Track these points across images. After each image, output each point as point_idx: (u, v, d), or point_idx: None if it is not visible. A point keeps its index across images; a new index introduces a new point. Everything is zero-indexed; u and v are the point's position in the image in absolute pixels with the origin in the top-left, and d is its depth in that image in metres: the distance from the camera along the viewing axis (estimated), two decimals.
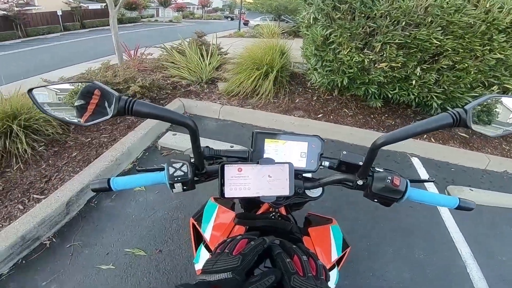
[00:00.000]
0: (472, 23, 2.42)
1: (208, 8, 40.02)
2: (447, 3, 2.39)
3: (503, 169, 2.83)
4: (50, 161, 2.14)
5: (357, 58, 2.72)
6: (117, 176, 0.69)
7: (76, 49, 9.83)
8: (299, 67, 4.36)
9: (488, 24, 2.43)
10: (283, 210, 0.83)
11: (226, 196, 0.56)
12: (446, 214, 2.11)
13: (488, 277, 1.66)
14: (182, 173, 0.59)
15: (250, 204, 0.93)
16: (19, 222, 1.55)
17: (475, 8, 2.42)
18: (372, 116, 3.39)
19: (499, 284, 1.64)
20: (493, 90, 2.77)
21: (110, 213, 1.85)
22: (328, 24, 2.84)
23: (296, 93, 3.79)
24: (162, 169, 0.62)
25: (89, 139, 2.44)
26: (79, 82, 0.52)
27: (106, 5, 4.04)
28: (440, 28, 2.47)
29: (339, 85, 3.08)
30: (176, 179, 0.58)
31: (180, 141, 2.63)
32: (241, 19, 16.24)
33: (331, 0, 2.69)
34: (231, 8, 49.12)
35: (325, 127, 3.14)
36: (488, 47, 2.52)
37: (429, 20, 2.46)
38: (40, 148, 2.20)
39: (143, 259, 1.55)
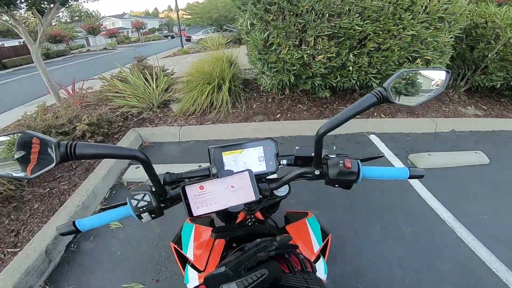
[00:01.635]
0: (382, 5, 2.70)
1: (144, 30, 38.81)
2: None
3: (450, 128, 3.19)
4: (12, 216, 2.05)
5: (297, 55, 2.89)
6: None
7: (2, 93, 8.73)
8: (250, 73, 4.45)
9: (395, 5, 2.72)
10: (259, 216, 0.85)
11: (194, 215, 0.57)
12: (418, 185, 2.23)
13: (481, 238, 1.72)
14: (146, 203, 0.59)
15: (227, 216, 0.93)
16: (4, 276, 1.53)
17: None
18: (324, 106, 3.61)
19: (495, 243, 1.68)
20: (417, 63, 3.09)
21: (94, 254, 1.78)
22: (264, 28, 2.97)
23: (252, 99, 3.86)
24: (126, 203, 0.61)
25: (48, 189, 2.29)
26: (11, 133, 0.48)
27: (24, 41, 3.67)
28: (358, 14, 2.72)
29: (288, 83, 3.22)
30: (141, 209, 0.58)
31: (145, 172, 2.50)
32: (182, 35, 16.03)
33: (261, 4, 2.81)
34: (169, 26, 48.24)
35: (285, 125, 3.25)
36: (401, 26, 2.81)
37: (347, 9, 2.68)
38: None
39: None
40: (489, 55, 3.30)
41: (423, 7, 2.80)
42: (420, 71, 0.63)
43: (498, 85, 3.47)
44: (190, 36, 17.92)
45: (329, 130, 0.57)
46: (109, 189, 2.41)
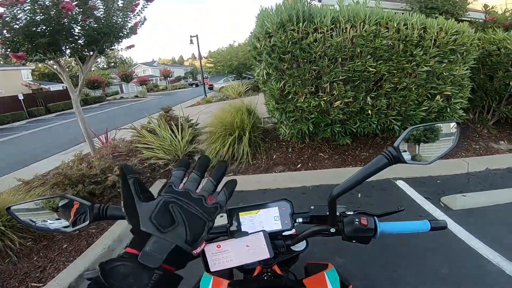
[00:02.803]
0: (392, 44, 2.78)
1: (171, 78, 42.42)
2: (365, 31, 2.73)
3: (483, 167, 3.01)
4: (41, 254, 2.21)
5: (314, 102, 2.95)
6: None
7: (45, 138, 9.60)
8: (268, 121, 4.56)
9: (404, 42, 2.79)
10: (277, 269, 0.87)
11: (211, 270, 0.61)
12: (455, 228, 2.10)
13: None
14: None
15: (245, 269, 0.95)
16: None
17: (387, 30, 2.78)
18: (346, 153, 3.55)
19: None
20: (437, 100, 3.06)
21: None
22: (280, 76, 3.06)
23: (271, 149, 3.89)
24: None
25: (77, 231, 2.44)
26: (52, 197, 0.62)
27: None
28: (370, 56, 2.80)
29: (307, 132, 3.25)
30: None
31: None
32: (205, 83, 17.13)
33: (276, 53, 2.93)
34: (193, 74, 52.49)
35: (307, 176, 3.22)
36: (414, 63, 2.85)
37: (359, 51, 2.79)
38: (29, 243, 2.27)
39: None
40: (511, 83, 3.17)
41: (433, 41, 2.84)
42: (429, 125, 0.63)
43: None
44: (212, 85, 19.18)
45: (341, 193, 0.60)
46: None
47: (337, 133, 3.23)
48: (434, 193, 2.61)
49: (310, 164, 3.44)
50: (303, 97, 3.01)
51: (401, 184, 2.89)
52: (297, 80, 2.98)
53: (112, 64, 46.72)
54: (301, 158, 3.59)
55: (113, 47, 4.00)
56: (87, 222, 0.59)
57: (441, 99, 3.08)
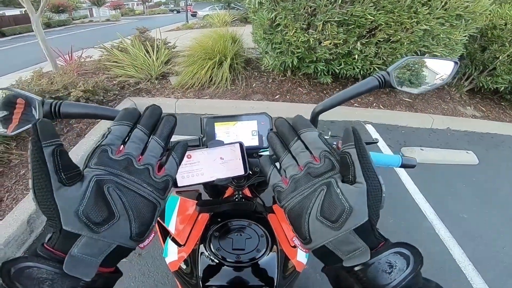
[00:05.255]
0: None
1: (150, 3, 37.54)
2: None
3: (445, 126, 3.20)
4: None
5: (303, 38, 2.81)
6: None
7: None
8: (252, 52, 4.38)
9: None
10: (248, 193, 0.84)
11: (179, 185, 0.53)
12: (404, 177, 2.26)
13: (456, 236, 1.77)
14: None
15: (214, 191, 0.92)
16: None
17: None
18: (325, 91, 3.57)
19: (468, 242, 1.74)
20: None
21: None
22: (273, 7, 2.87)
23: (252, 77, 3.81)
24: None
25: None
26: None
27: (26, 10, 3.55)
28: (372, 4, 2.63)
29: (290, 65, 3.17)
30: None
31: None
32: (188, 10, 15.52)
33: None
34: (176, 0, 46.70)
35: (284, 107, 3.24)
36: (415, 20, 2.74)
37: None
38: None
39: (125, 264, 1.51)
40: (500, 57, 3.24)
41: (442, 3, 2.71)
42: (426, 59, 0.61)
43: (502, 88, 3.44)
44: (196, 11, 17.47)
45: (325, 109, 0.56)
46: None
47: (320, 71, 3.17)
48: (396, 143, 2.79)
49: (288, 97, 3.45)
50: (293, 31, 2.84)
51: (369, 128, 3.04)
52: (290, 14, 2.77)
53: None
54: (280, 90, 3.57)
55: None
56: (35, 121, 0.46)
57: None
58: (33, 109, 0.46)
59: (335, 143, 0.61)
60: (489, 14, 3.26)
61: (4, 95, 0.48)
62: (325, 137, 0.64)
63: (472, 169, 2.48)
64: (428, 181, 2.24)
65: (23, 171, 2.08)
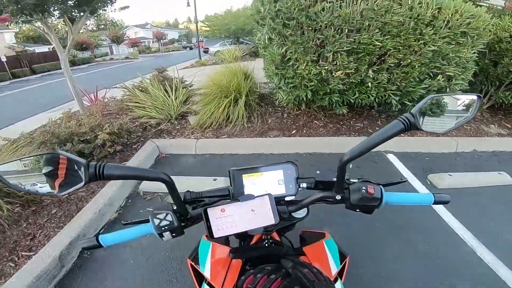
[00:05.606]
0: (402, 20, 2.66)
1: (164, 41, 40.40)
2: (377, 5, 2.60)
3: (471, 148, 3.07)
4: (30, 220, 2.09)
5: (314, 70, 2.87)
6: (104, 228, 0.70)
7: (31, 98, 9.15)
8: (265, 87, 4.50)
9: (416, 20, 2.68)
10: (275, 235, 0.85)
11: (215, 236, 0.58)
12: (438, 206, 2.14)
13: (502, 258, 1.68)
14: (168, 222, 0.61)
15: (243, 235, 0.94)
16: (16, 279, 1.55)
17: (400, 6, 2.65)
18: (341, 123, 3.56)
19: None
20: (438, 79, 3.02)
21: (107, 262, 1.80)
22: (282, 42, 2.97)
23: (267, 113, 3.87)
24: (148, 220, 0.63)
25: (67, 195, 2.35)
26: (42, 154, 0.49)
27: (54, 47, 3.81)
28: (378, 30, 2.69)
29: (304, 99, 3.21)
30: (163, 228, 0.61)
31: (161, 184, 2.55)
32: (200, 47, 16.55)
33: (280, 19, 2.81)
34: (188, 37, 50.03)
35: (301, 141, 3.23)
36: (422, 41, 2.76)
37: (367, 24, 2.66)
38: (17, 209, 2.15)
39: None
40: None
41: (445, 22, 2.75)
42: (449, 96, 0.61)
43: None
44: (207, 48, 18.46)
45: (353, 158, 0.57)
46: (125, 198, 2.46)
47: (335, 102, 3.19)
48: (421, 170, 2.67)
49: (304, 131, 3.44)
50: (304, 65, 2.92)
51: (391, 157, 2.93)
52: (300, 47, 2.87)
53: (102, 26, 43.97)
54: (296, 125, 3.58)
55: (105, 8, 3.74)
56: (82, 183, 0.47)
57: (443, 79, 3.04)
58: (78, 170, 0.48)
59: (364, 187, 0.61)
60: (493, 28, 3.25)
61: (49, 156, 0.49)
62: (353, 180, 0.66)
63: (507, 189, 2.35)
64: (462, 207, 2.13)
65: (55, 210, 2.20)
